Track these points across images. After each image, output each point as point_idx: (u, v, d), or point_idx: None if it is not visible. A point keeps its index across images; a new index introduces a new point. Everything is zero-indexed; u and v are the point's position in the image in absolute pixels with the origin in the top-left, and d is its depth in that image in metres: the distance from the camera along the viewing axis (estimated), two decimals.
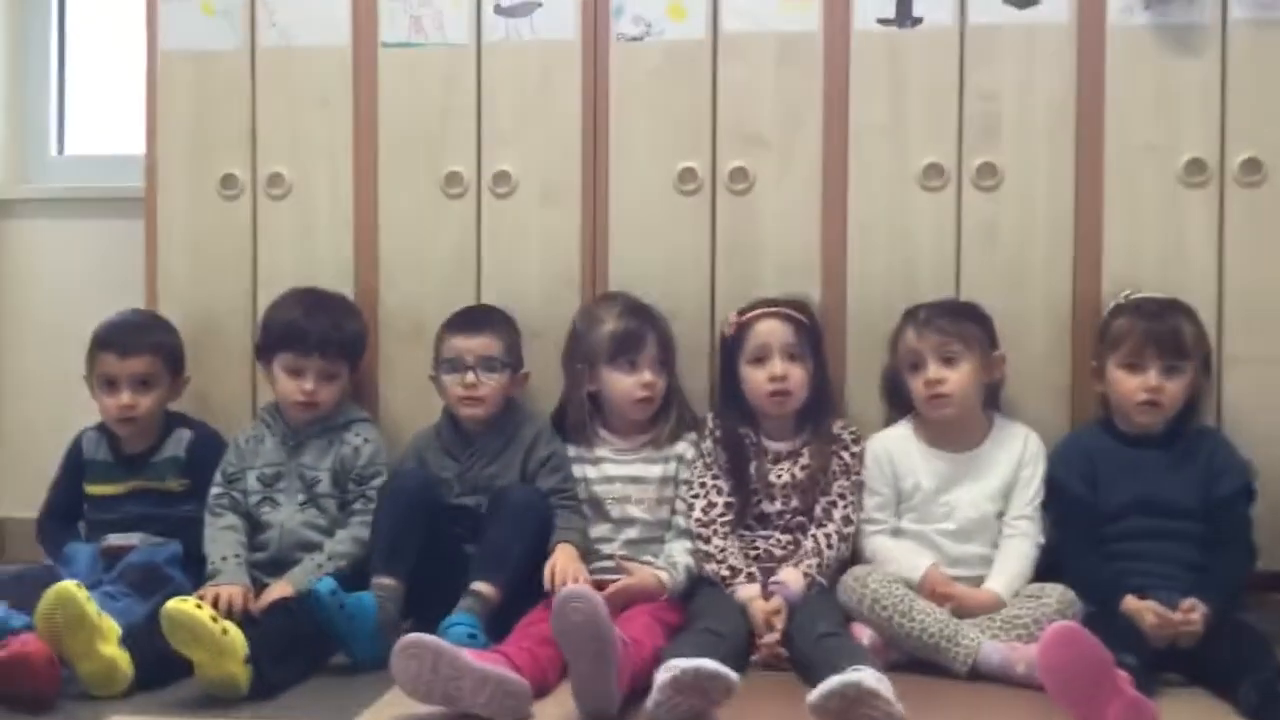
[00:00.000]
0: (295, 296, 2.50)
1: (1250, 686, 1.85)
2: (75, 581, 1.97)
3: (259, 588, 2.29)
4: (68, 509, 2.52)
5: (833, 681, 1.73)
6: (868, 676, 1.75)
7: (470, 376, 2.38)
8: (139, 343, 2.49)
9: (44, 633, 1.93)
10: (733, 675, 1.78)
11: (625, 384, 2.36)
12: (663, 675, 1.80)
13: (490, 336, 2.42)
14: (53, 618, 1.93)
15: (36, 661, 1.90)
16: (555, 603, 1.83)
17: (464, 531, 2.34)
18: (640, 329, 2.37)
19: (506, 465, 2.39)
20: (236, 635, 1.93)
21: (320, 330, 2.42)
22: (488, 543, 2.21)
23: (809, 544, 2.28)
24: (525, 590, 2.19)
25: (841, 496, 2.32)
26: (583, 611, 1.80)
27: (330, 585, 2.06)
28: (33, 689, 1.90)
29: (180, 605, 1.89)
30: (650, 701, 1.80)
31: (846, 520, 2.30)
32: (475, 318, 2.47)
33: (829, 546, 2.27)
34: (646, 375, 2.36)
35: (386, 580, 2.16)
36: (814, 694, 1.74)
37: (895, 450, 2.34)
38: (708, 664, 1.76)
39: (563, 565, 2.19)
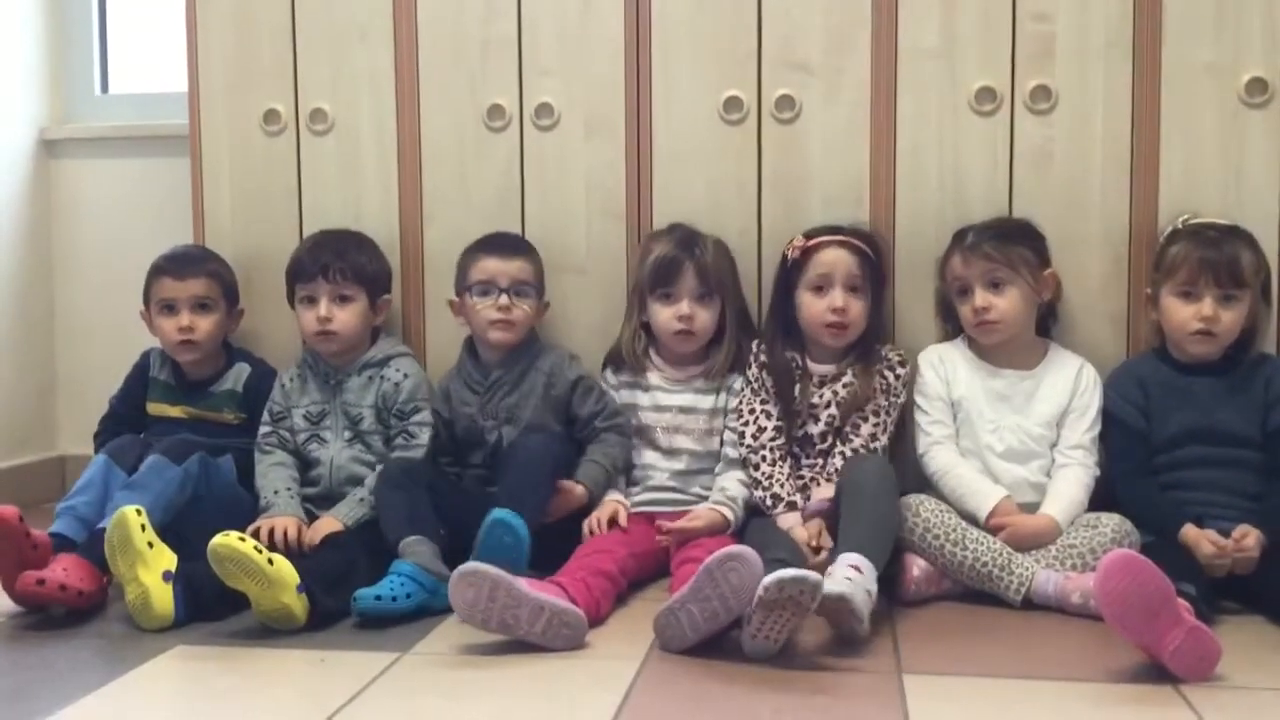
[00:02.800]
0: (306, 239, 2.54)
1: None
2: (137, 507, 2.01)
3: (310, 520, 2.31)
4: (125, 418, 2.54)
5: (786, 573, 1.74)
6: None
7: (504, 299, 2.37)
8: (196, 267, 2.53)
9: (106, 549, 1.99)
10: (813, 575, 1.76)
11: (664, 315, 2.36)
12: (746, 608, 1.79)
13: (525, 261, 2.42)
14: (110, 538, 1.98)
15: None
16: (719, 553, 1.79)
17: (487, 472, 2.36)
18: (677, 259, 2.34)
19: (526, 394, 2.39)
20: (284, 565, 1.94)
21: (322, 258, 2.44)
22: (504, 488, 2.18)
23: (837, 460, 2.27)
24: (548, 529, 2.18)
25: (875, 414, 2.29)
26: (740, 575, 1.77)
27: (364, 604, 1.98)
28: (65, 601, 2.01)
29: (225, 539, 1.90)
30: (745, 636, 1.79)
31: (873, 437, 2.28)
32: (510, 242, 2.47)
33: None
34: (684, 307, 2.34)
35: (416, 537, 2.08)
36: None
37: (948, 359, 2.31)
38: (783, 573, 1.74)
39: (599, 514, 2.23)
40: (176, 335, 2.49)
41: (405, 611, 1.99)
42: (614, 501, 2.28)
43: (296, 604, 1.94)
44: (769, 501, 2.25)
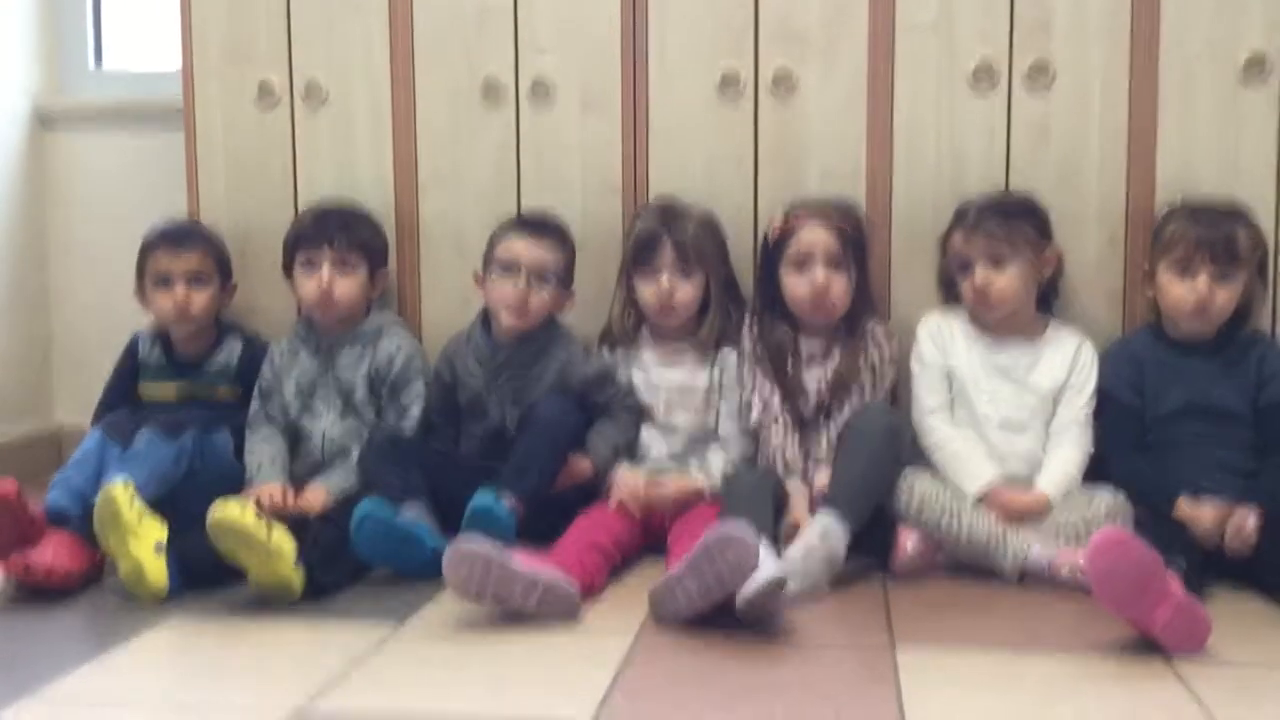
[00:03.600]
0: (307, 209, 2.54)
1: None
2: (124, 479, 2.01)
3: (299, 490, 2.31)
4: (119, 407, 2.51)
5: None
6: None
7: (522, 283, 2.35)
8: (191, 240, 2.52)
9: (95, 526, 1.99)
10: (768, 575, 1.78)
11: (646, 290, 2.35)
12: (738, 605, 1.80)
13: (552, 247, 2.38)
14: (100, 514, 1.98)
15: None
16: (718, 534, 1.79)
17: (491, 448, 2.35)
18: (655, 234, 2.32)
19: (535, 379, 2.36)
20: (284, 537, 1.94)
21: (328, 227, 2.43)
22: (515, 456, 2.19)
23: (825, 440, 2.27)
24: (552, 500, 2.19)
25: (860, 390, 2.29)
26: (738, 553, 1.77)
27: (369, 507, 2.03)
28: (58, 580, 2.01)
29: (225, 511, 1.90)
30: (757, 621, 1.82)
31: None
32: (542, 224, 2.42)
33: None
34: (663, 282, 2.32)
35: (413, 504, 2.13)
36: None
37: (946, 327, 2.32)
38: (746, 593, 1.77)
39: (630, 484, 2.21)
40: (172, 308, 2.48)
41: (398, 530, 2.03)
42: (634, 475, 2.25)
43: (294, 576, 1.94)
44: (780, 469, 2.26)
